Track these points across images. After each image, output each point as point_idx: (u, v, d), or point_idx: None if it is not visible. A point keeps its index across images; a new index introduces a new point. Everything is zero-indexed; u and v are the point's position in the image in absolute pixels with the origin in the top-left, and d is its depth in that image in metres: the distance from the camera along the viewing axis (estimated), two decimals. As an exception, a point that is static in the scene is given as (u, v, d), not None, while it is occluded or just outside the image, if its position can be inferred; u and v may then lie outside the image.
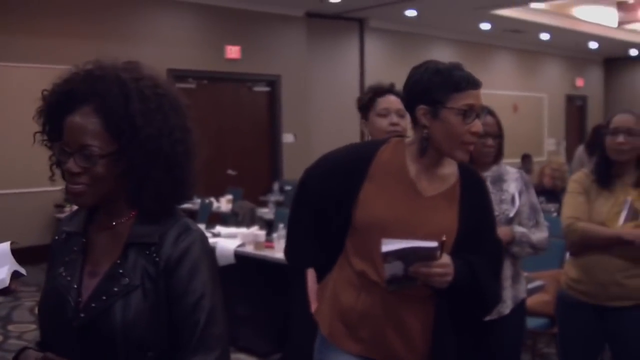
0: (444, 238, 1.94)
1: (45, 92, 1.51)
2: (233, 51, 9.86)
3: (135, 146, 1.44)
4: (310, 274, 2.46)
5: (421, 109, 2.05)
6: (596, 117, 15.73)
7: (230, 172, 10.04)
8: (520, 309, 2.98)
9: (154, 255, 1.46)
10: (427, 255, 1.92)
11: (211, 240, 5.30)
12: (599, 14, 12.70)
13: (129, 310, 1.42)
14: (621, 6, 11.26)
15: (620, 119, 3.06)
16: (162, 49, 9.08)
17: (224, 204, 8.19)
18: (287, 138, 10.54)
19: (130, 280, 1.44)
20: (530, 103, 14.97)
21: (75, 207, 1.61)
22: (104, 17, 8.57)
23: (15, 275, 1.63)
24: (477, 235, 2.11)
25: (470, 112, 2.01)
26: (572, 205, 3.12)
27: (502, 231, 2.71)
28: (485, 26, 12.37)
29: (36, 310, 1.50)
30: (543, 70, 15.53)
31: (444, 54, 12.60)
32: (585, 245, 3.05)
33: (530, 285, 3.46)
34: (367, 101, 2.92)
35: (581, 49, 15.38)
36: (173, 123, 1.50)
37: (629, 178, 3.04)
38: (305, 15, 10.66)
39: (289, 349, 4.83)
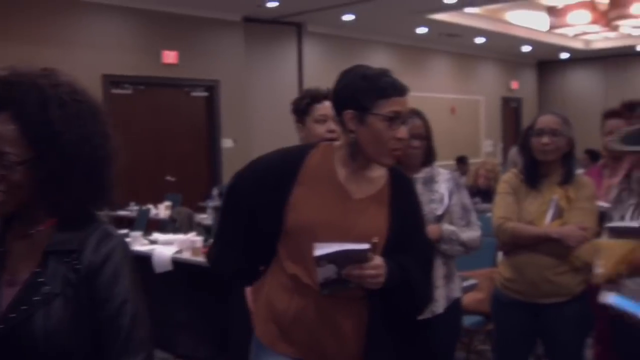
0: (375, 240, 1.96)
1: None
2: (170, 56, 9.73)
3: (54, 152, 1.43)
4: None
5: (348, 113, 2.07)
6: (531, 119, 15.88)
7: (169, 178, 9.93)
8: (454, 307, 3.02)
9: (75, 262, 1.45)
10: (359, 258, 1.95)
11: (148, 247, 5.38)
12: (531, 18, 12.99)
13: (50, 319, 1.41)
14: (551, 11, 11.53)
15: (545, 120, 3.15)
16: (97, 54, 8.90)
17: (162, 210, 8.11)
18: (226, 143, 10.46)
19: (50, 288, 1.43)
20: (467, 105, 15.16)
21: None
22: (36, 23, 8.34)
23: None
24: (408, 236, 2.14)
25: (396, 118, 2.04)
26: (501, 205, 3.20)
27: (431, 229, 2.75)
28: (421, 30, 12.48)
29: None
30: (479, 73, 15.76)
31: (381, 58, 12.68)
32: (515, 244, 3.13)
33: (464, 284, 3.51)
34: (304, 106, 2.93)
35: (515, 52, 15.66)
36: (92, 129, 1.49)
37: (555, 177, 3.12)
38: (243, 20, 10.58)
39: (230, 355, 4.82)
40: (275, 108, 10.68)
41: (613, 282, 2.32)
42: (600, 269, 2.36)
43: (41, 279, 1.44)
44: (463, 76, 15.26)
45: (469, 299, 3.73)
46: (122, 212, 8.56)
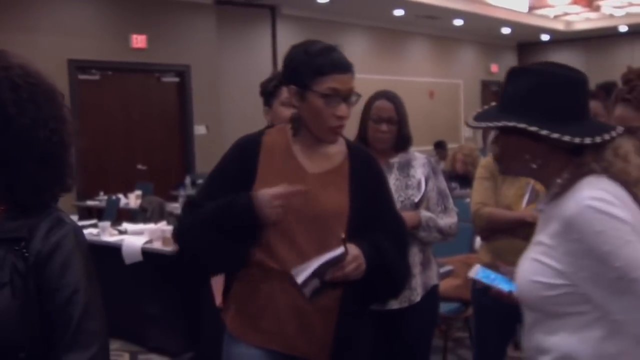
0: (342, 236, 1.98)
1: None
2: (139, 40, 9.56)
3: (8, 137, 1.42)
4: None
5: (291, 89, 2.13)
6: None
7: (139, 166, 9.84)
8: (431, 295, 3.03)
9: (24, 250, 1.42)
10: (337, 261, 1.99)
11: (117, 238, 5.33)
12: (510, -1, 12.98)
13: None
14: (531, -8, 11.49)
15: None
16: (62, 38, 8.74)
17: (132, 200, 8.06)
18: (199, 130, 10.36)
19: None
20: (446, 89, 15.23)
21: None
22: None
23: None
24: (374, 212, 2.17)
25: (334, 96, 2.06)
26: (479, 191, 3.26)
27: (409, 216, 2.79)
28: (398, 12, 12.45)
29: None
30: (458, 56, 15.80)
31: (358, 42, 12.67)
32: (492, 230, 3.17)
33: (441, 270, 3.57)
34: (272, 88, 2.92)
35: (495, 34, 15.69)
36: (48, 113, 1.47)
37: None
38: (215, 3, 10.45)
39: (201, 348, 4.82)
40: (249, 93, 10.41)
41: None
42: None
43: None
44: (442, 59, 15.27)
45: (445, 285, 3.78)
46: (90, 202, 8.55)
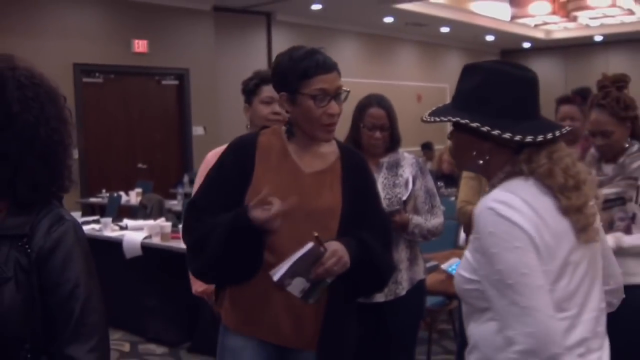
0: (315, 234, 1.98)
1: None
2: (140, 45, 9.74)
3: (11, 134, 1.43)
4: None
5: (282, 95, 2.16)
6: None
7: (140, 165, 9.96)
8: (418, 290, 3.06)
9: (26, 246, 1.44)
10: (314, 256, 2.00)
11: (118, 233, 5.45)
12: (494, 8, 13.21)
13: (1, 303, 1.40)
14: (513, 2, 11.80)
15: None
16: (68, 43, 8.89)
17: (133, 197, 8.17)
18: (197, 131, 10.47)
19: (2, 272, 1.42)
20: (433, 93, 15.24)
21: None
22: (6, 11, 8.30)
23: None
24: (363, 210, 2.20)
25: (323, 96, 2.09)
26: (464, 190, 3.30)
27: (400, 218, 2.88)
28: (388, 20, 12.61)
29: None
30: (444, 62, 15.90)
31: (349, 47, 12.80)
32: None
33: (427, 265, 3.55)
34: (252, 87, 2.88)
35: (479, 41, 15.86)
36: (50, 112, 1.49)
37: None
38: (213, 9, 10.60)
39: (198, 338, 4.93)
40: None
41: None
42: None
43: None
44: (429, 65, 15.42)
45: (431, 280, 3.76)
46: (93, 199, 8.61)
